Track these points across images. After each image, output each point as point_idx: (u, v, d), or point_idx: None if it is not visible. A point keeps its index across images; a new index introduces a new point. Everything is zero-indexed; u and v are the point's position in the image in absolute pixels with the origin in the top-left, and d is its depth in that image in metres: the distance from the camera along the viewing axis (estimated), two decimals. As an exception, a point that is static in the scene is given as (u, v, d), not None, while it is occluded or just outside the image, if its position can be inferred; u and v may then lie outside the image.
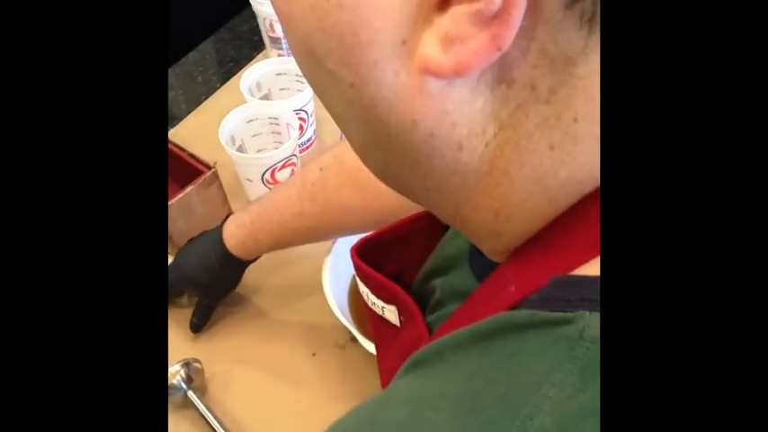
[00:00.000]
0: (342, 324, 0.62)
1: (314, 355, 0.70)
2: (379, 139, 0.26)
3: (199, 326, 0.72)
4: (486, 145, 0.25)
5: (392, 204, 0.54)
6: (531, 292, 0.25)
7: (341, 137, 0.77)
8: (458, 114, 0.24)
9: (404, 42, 0.22)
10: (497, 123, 0.24)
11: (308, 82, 0.27)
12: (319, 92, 0.27)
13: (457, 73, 0.22)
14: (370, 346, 0.60)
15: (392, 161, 0.27)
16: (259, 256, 0.67)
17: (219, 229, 0.65)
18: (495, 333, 0.24)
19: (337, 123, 0.28)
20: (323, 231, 0.63)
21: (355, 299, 0.71)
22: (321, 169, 0.60)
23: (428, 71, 0.22)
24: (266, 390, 0.68)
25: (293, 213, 0.61)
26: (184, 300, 0.75)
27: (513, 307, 0.26)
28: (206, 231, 0.68)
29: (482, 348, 0.25)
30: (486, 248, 0.31)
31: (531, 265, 0.27)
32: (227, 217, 0.66)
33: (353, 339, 0.64)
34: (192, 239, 0.69)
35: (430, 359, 0.27)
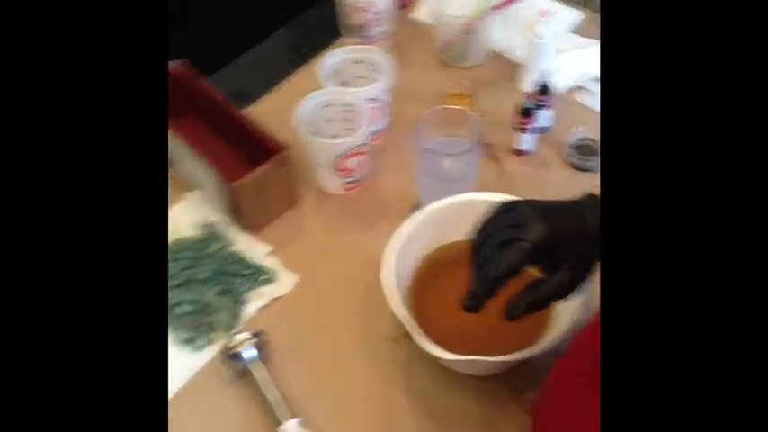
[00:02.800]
0: (396, 318, 0.62)
1: (368, 345, 0.71)
2: None
3: (519, 309, 0.52)
4: None
5: None
6: None
7: (417, 127, 0.76)
8: None
9: None
10: None
11: None
12: None
13: None
14: (424, 343, 0.60)
15: None
16: None
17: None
18: None
19: None
20: None
21: (416, 294, 0.70)
22: None
23: None
24: (320, 372, 0.70)
25: None
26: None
27: None
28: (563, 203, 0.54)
29: None
30: None
31: None
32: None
33: (407, 335, 0.64)
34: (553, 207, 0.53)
35: None
